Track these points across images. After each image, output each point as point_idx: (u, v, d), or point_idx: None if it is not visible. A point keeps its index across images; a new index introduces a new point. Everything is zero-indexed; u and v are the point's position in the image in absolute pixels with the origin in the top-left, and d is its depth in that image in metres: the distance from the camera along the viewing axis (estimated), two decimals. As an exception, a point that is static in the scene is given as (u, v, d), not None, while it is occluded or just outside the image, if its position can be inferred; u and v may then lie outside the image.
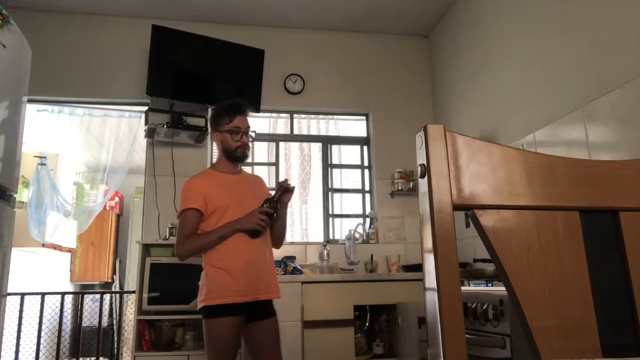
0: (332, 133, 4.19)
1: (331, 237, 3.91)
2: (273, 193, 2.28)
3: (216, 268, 2.11)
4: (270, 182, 3.88)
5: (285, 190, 2.24)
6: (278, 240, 2.36)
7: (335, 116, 4.22)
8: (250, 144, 2.30)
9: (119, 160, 4.33)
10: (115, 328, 5.25)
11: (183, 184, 2.24)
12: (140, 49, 3.64)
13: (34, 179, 3.93)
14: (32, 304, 3.99)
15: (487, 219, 0.68)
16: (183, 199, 2.17)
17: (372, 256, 3.54)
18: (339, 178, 4.08)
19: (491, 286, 2.45)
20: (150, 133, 3.50)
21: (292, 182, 2.29)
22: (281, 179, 2.32)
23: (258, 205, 2.20)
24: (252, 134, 2.32)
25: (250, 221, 2.12)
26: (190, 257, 2.18)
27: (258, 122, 4.04)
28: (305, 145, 4.10)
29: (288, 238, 3.75)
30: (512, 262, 0.67)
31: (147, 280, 3.08)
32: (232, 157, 2.25)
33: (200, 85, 3.63)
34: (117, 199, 6.29)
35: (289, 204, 2.35)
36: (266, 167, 3.97)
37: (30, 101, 3.04)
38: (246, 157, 2.28)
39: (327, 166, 4.04)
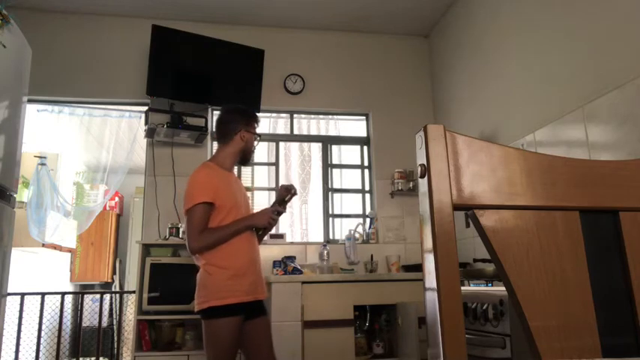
0: (332, 133, 4.19)
1: (331, 237, 3.91)
2: (265, 194, 2.34)
3: (220, 268, 2.10)
4: (270, 182, 3.89)
5: (290, 194, 2.34)
6: (260, 238, 2.43)
7: (335, 116, 4.22)
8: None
9: (119, 160, 4.33)
10: (115, 328, 5.26)
11: (190, 177, 2.20)
12: (140, 49, 3.64)
13: (34, 179, 3.93)
14: (32, 304, 3.99)
15: (487, 219, 0.68)
16: (194, 192, 2.13)
17: (372, 256, 3.54)
18: (339, 178, 4.08)
19: (491, 286, 2.45)
20: (150, 133, 3.50)
21: (293, 184, 2.39)
22: (283, 181, 2.41)
23: (245, 205, 2.30)
24: None
25: (264, 220, 2.21)
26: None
27: (258, 122, 4.04)
28: (305, 145, 4.10)
29: (288, 238, 3.76)
30: (512, 262, 0.67)
31: (147, 280, 3.08)
32: (244, 159, 2.35)
33: (200, 85, 3.63)
34: (117, 199, 6.29)
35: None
36: (266, 167, 3.97)
37: (30, 101, 3.04)
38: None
39: (327, 166, 4.04)
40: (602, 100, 2.22)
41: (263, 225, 2.21)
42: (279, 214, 2.26)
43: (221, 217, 2.14)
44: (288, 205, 2.45)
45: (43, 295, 3.82)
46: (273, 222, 2.24)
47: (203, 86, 3.63)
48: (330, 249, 3.50)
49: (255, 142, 2.37)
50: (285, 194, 2.32)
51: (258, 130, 2.40)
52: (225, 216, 2.14)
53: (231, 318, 2.05)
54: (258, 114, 2.46)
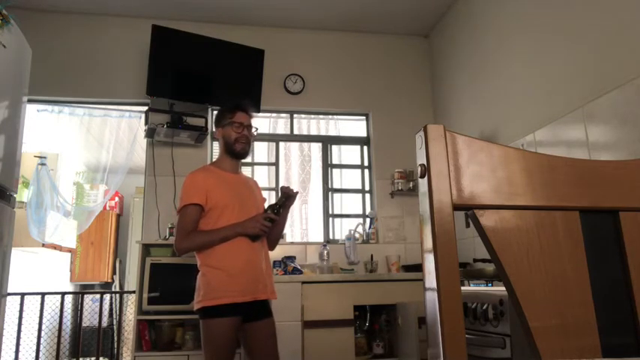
0: (332, 133, 4.19)
1: (331, 237, 3.91)
2: (265, 195, 2.29)
3: (213, 268, 2.11)
4: (270, 182, 3.89)
5: (288, 196, 2.25)
6: (274, 243, 2.39)
7: (335, 116, 4.22)
8: (251, 141, 2.33)
9: (119, 160, 4.33)
10: (115, 328, 5.25)
11: (185, 179, 2.23)
12: (140, 49, 3.63)
13: (34, 179, 3.93)
14: (32, 304, 3.99)
15: (487, 219, 0.68)
16: (186, 193, 2.16)
17: (372, 256, 3.54)
18: (339, 178, 4.08)
19: (491, 286, 2.45)
20: (150, 133, 3.50)
21: (293, 185, 2.31)
22: (282, 183, 2.32)
23: (255, 208, 2.24)
24: (255, 130, 2.36)
25: (254, 226, 2.14)
26: (189, 253, 2.21)
27: (258, 122, 4.04)
28: (305, 145, 4.10)
29: (288, 238, 3.75)
30: (512, 262, 0.67)
31: (147, 280, 3.08)
32: (232, 152, 2.26)
33: (200, 85, 3.63)
34: (117, 199, 6.29)
35: (290, 208, 2.37)
36: (266, 167, 3.97)
37: (30, 101, 3.04)
38: (246, 153, 2.30)
39: (327, 166, 4.04)
40: (602, 100, 2.22)
41: (253, 232, 2.14)
42: (272, 220, 2.17)
43: (216, 215, 2.14)
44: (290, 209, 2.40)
45: (43, 295, 3.82)
46: (265, 229, 2.15)
47: (203, 86, 3.63)
48: (330, 249, 3.50)
49: (233, 129, 2.23)
50: (281, 199, 2.24)
51: (238, 117, 2.26)
52: (220, 215, 2.14)
53: (225, 318, 2.04)
54: (259, 113, 2.39)
